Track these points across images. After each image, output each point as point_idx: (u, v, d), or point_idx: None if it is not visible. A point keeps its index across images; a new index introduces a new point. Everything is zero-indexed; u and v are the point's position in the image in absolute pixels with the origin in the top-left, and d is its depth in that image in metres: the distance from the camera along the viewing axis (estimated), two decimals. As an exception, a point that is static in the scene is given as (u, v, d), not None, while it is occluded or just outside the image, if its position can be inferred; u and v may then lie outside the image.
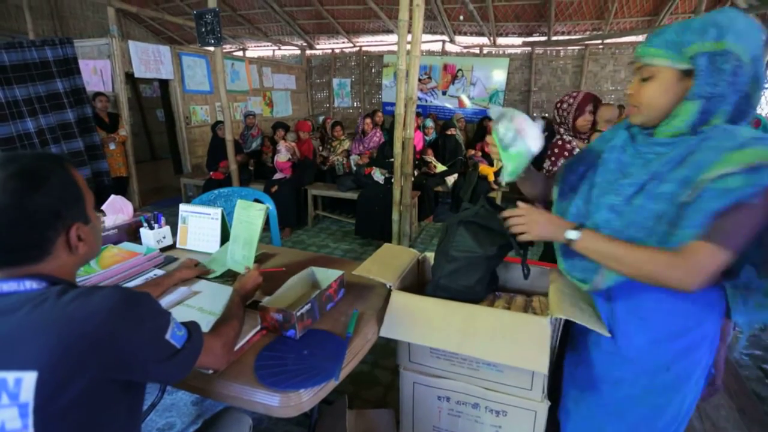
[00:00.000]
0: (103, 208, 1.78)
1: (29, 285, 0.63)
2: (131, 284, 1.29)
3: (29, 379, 0.55)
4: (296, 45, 7.93)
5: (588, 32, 6.08)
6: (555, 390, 1.18)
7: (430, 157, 4.53)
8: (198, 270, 1.36)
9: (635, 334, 0.92)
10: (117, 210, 1.78)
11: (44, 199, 0.63)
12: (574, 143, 2.34)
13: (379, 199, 3.65)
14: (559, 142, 2.39)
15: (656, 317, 0.89)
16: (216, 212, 1.62)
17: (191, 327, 0.76)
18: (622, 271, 0.82)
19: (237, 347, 0.97)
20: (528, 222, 0.92)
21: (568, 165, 1.03)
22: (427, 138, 4.97)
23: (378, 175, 4.01)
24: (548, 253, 2.00)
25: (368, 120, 4.53)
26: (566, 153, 2.34)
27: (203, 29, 3.35)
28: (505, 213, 0.98)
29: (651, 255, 0.77)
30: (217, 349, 0.83)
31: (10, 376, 0.56)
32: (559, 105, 2.26)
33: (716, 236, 0.72)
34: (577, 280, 0.97)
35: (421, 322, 1.09)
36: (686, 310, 0.86)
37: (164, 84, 5.33)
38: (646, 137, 0.88)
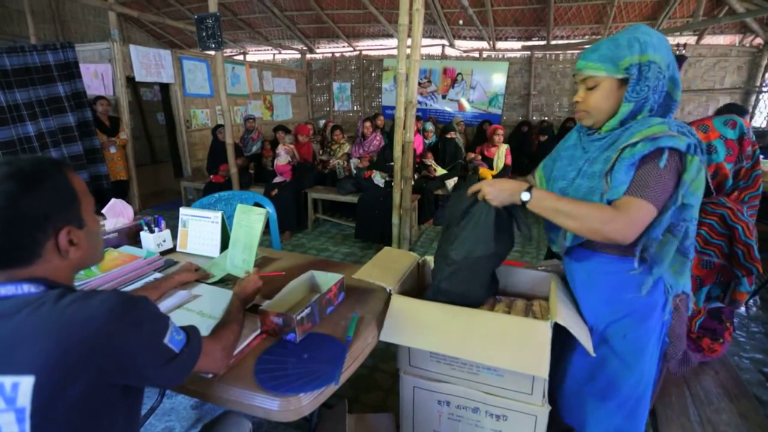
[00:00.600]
0: (103, 211, 1.78)
1: (27, 288, 0.63)
2: (131, 287, 1.29)
3: (26, 383, 0.55)
4: (296, 49, 7.96)
5: (587, 36, 6.12)
6: (553, 392, 1.18)
7: (430, 161, 4.53)
8: (198, 274, 1.36)
9: (590, 300, 1.08)
10: (117, 213, 1.78)
11: (34, 201, 0.63)
12: None
13: (380, 203, 3.65)
14: None
15: (605, 282, 1.03)
16: (216, 216, 1.62)
17: (190, 331, 0.76)
18: (571, 226, 0.93)
19: (237, 351, 0.97)
20: (488, 192, 1.05)
21: (543, 164, 1.21)
22: (427, 141, 4.98)
23: (378, 178, 4.00)
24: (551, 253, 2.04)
25: (368, 123, 4.54)
26: None
27: (204, 33, 3.36)
28: (469, 191, 1.10)
29: (593, 209, 0.91)
30: (217, 354, 0.83)
31: (8, 380, 0.56)
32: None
33: (639, 191, 0.88)
34: (552, 244, 1.12)
35: (421, 326, 1.09)
36: (630, 277, 0.99)
37: (165, 88, 5.36)
38: (587, 136, 1.06)
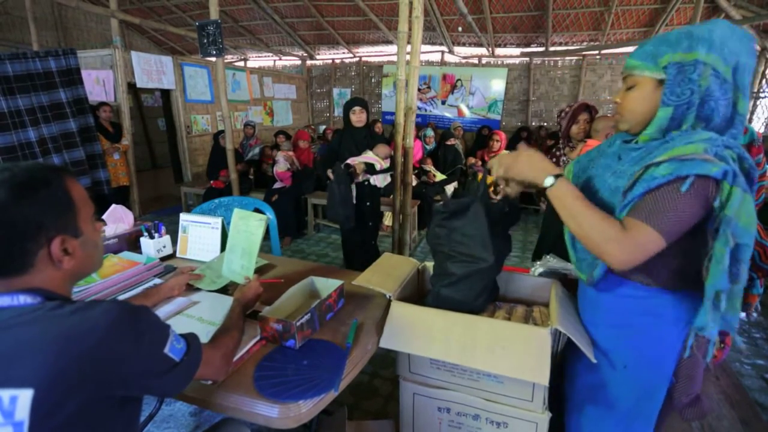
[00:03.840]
0: (104, 217, 1.78)
1: (23, 300, 0.62)
2: (130, 293, 1.29)
3: (25, 397, 0.54)
4: (297, 55, 8.02)
5: (585, 43, 6.16)
6: (555, 400, 1.17)
7: (429, 166, 4.54)
8: (189, 276, 1.34)
9: (594, 324, 1.04)
10: (118, 219, 1.78)
11: (25, 210, 0.61)
12: (560, 153, 2.48)
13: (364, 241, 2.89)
14: (556, 153, 2.52)
15: (609, 309, 0.99)
16: (216, 222, 1.62)
17: (190, 339, 0.76)
18: (573, 228, 0.85)
19: (236, 357, 0.97)
20: (513, 158, 0.92)
21: (577, 159, 1.12)
22: (428, 147, 5.00)
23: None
24: (538, 254, 2.03)
25: (368, 129, 4.57)
26: (553, 160, 2.51)
27: (205, 40, 3.39)
28: (490, 164, 0.99)
29: (601, 223, 0.81)
30: (217, 361, 0.83)
31: (6, 393, 0.55)
32: (558, 113, 2.38)
33: (649, 216, 0.78)
34: (581, 273, 1.03)
35: (421, 332, 1.09)
36: (642, 303, 0.93)
37: (166, 93, 5.38)
38: (624, 143, 0.95)
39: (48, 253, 0.64)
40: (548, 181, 0.86)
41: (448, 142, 4.66)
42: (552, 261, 1.36)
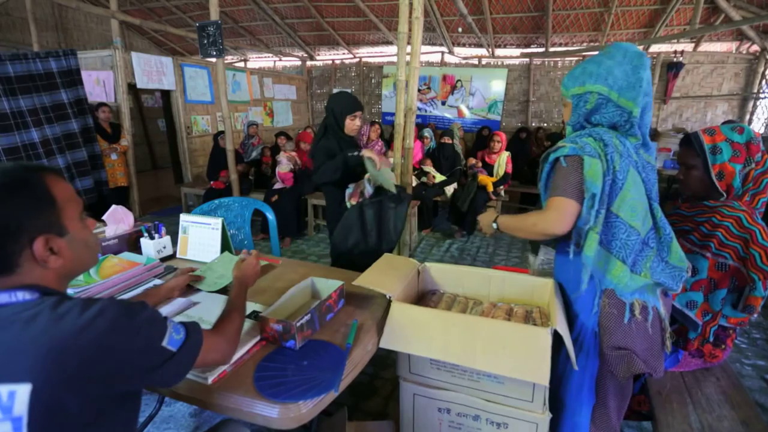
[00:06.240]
0: (103, 218, 1.78)
1: (21, 296, 0.62)
2: (130, 294, 1.29)
3: (23, 391, 0.54)
4: (297, 56, 8.02)
5: (585, 44, 6.16)
6: (555, 401, 1.17)
7: (429, 167, 4.53)
8: (190, 276, 1.34)
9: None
10: (118, 220, 1.78)
11: (2, 211, 0.61)
12: None
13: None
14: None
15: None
16: (216, 222, 1.62)
17: (190, 327, 0.76)
18: (521, 235, 1.15)
19: (236, 358, 0.97)
20: (482, 219, 1.33)
21: None
22: (425, 148, 4.99)
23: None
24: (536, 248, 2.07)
25: (375, 127, 4.62)
26: None
27: (205, 41, 3.39)
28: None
29: (527, 216, 1.13)
30: (220, 345, 0.83)
31: (4, 389, 0.55)
32: None
33: (553, 191, 1.06)
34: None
35: (421, 333, 1.09)
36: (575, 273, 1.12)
37: (166, 94, 5.39)
38: None
39: (32, 253, 0.64)
40: (494, 225, 1.24)
41: (443, 140, 4.61)
42: (551, 252, 1.39)
